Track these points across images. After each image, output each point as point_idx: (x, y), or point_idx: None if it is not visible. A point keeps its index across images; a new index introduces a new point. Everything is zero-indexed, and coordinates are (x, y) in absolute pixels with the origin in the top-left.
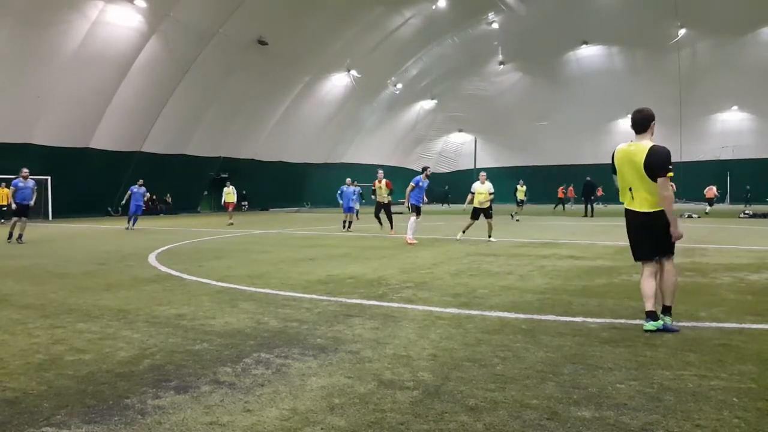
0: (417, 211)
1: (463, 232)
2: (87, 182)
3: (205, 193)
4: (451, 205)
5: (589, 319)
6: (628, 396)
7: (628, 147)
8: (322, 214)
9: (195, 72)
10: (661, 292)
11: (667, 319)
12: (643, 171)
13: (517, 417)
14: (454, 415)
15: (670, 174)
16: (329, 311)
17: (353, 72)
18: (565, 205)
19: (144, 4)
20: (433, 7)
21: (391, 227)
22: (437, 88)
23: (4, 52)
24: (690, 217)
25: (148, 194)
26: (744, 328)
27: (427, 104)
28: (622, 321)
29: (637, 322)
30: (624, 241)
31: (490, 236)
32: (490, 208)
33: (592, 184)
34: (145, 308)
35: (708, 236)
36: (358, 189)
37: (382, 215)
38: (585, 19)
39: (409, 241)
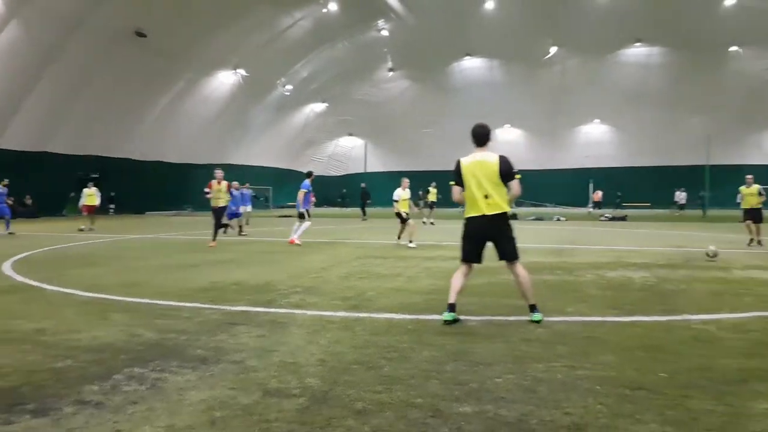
0: (307, 215)
1: (399, 237)
2: None
3: (72, 194)
4: (346, 208)
5: (470, 318)
6: (506, 389)
7: (475, 159)
8: (205, 218)
9: (62, 62)
10: (522, 293)
11: (537, 316)
12: (499, 178)
13: (403, 417)
14: (341, 420)
15: (518, 176)
16: (212, 320)
17: (241, 70)
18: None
19: None
20: (324, 10)
21: (214, 238)
22: (328, 92)
23: None
24: (559, 220)
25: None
26: (605, 321)
27: (318, 107)
28: (500, 318)
29: (513, 318)
30: None
31: (400, 238)
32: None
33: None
34: None
35: (575, 237)
36: (250, 192)
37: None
38: (468, 32)
39: (295, 242)
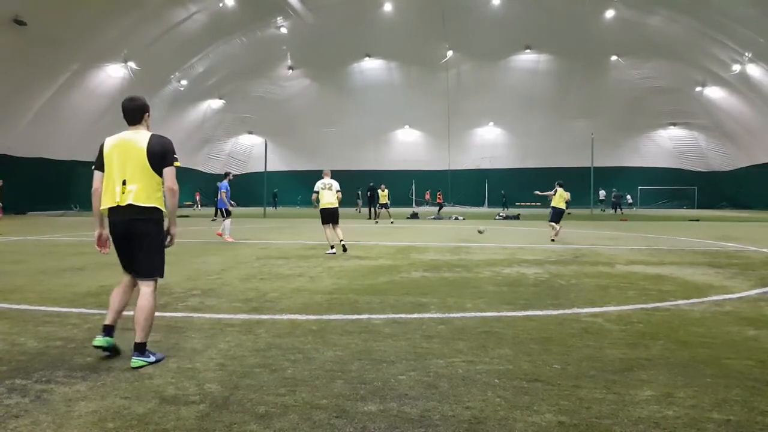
0: (229, 213)
1: (332, 246)
2: None
3: None
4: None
5: (373, 316)
6: (409, 386)
7: (123, 138)
8: (93, 218)
9: None
10: (134, 323)
11: (138, 362)
12: (146, 160)
13: (308, 419)
14: (243, 425)
15: (177, 164)
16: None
17: (131, 64)
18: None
19: None
20: (220, 4)
21: None
22: (225, 88)
23: None
24: (457, 219)
25: None
26: (502, 316)
27: (215, 103)
28: (402, 316)
29: (415, 316)
30: (404, 242)
31: (342, 241)
32: (336, 211)
33: (376, 189)
34: None
35: (471, 236)
36: None
37: None
38: (367, 34)
39: (229, 240)
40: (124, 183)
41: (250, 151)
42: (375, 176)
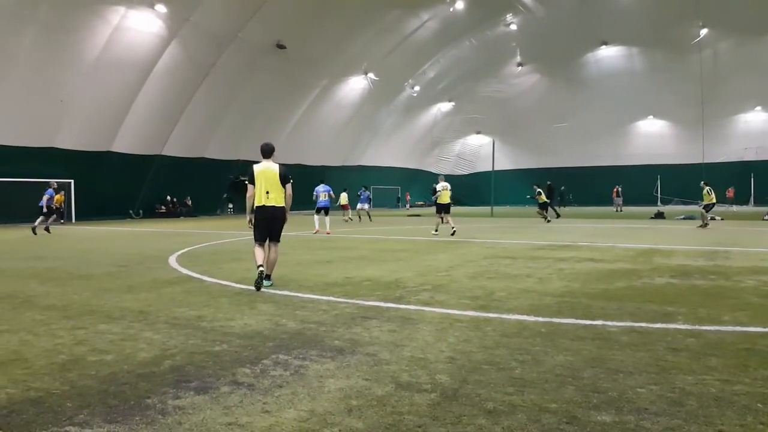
0: (326, 211)
1: (438, 230)
2: (109, 185)
3: (225, 195)
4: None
5: (608, 323)
6: (649, 400)
7: (265, 167)
8: (338, 217)
9: (214, 76)
10: (267, 265)
11: (266, 283)
12: (279, 180)
13: (536, 421)
14: (472, 418)
15: (291, 180)
16: (346, 313)
17: (370, 75)
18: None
19: (164, 10)
20: (451, 9)
21: None
22: (455, 90)
23: (28, 57)
24: (714, 219)
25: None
26: None
27: (445, 106)
28: (643, 325)
29: (658, 326)
30: (646, 244)
31: (453, 227)
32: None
33: (553, 188)
34: (166, 310)
35: (731, 239)
36: (368, 193)
37: None
38: (604, 20)
39: (328, 233)
40: (267, 193)
41: (477, 151)
42: (611, 172)
